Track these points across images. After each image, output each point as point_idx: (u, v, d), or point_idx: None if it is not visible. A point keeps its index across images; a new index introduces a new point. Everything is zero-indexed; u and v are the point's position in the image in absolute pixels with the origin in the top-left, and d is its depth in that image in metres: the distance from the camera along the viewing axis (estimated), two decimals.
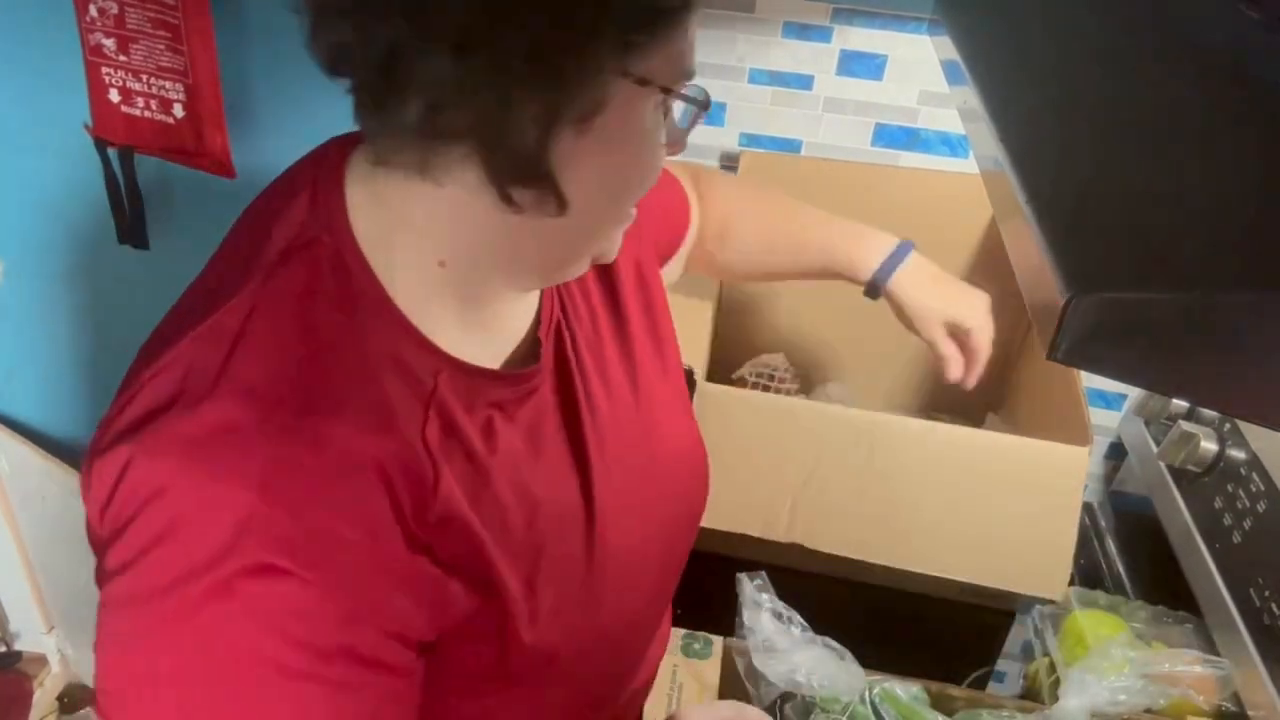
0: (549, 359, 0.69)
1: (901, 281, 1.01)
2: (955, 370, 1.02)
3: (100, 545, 0.54)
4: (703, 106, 0.60)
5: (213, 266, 0.62)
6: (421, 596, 0.57)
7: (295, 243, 0.58)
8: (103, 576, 0.54)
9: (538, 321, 0.71)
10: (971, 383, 1.03)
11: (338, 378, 0.56)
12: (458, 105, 0.53)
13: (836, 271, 1.03)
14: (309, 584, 0.52)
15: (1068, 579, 1.06)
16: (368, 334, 0.58)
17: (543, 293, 0.72)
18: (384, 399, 0.57)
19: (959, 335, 1.02)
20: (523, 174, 0.56)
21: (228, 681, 0.52)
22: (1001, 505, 1.07)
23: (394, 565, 0.56)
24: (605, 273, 0.78)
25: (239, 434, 0.52)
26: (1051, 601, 1.08)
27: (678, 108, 0.61)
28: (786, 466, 1.08)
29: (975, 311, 1.02)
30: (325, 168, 0.61)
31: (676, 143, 0.63)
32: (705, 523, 0.86)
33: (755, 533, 1.04)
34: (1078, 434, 1.10)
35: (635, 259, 0.81)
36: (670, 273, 1.02)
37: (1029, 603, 1.13)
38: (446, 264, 0.60)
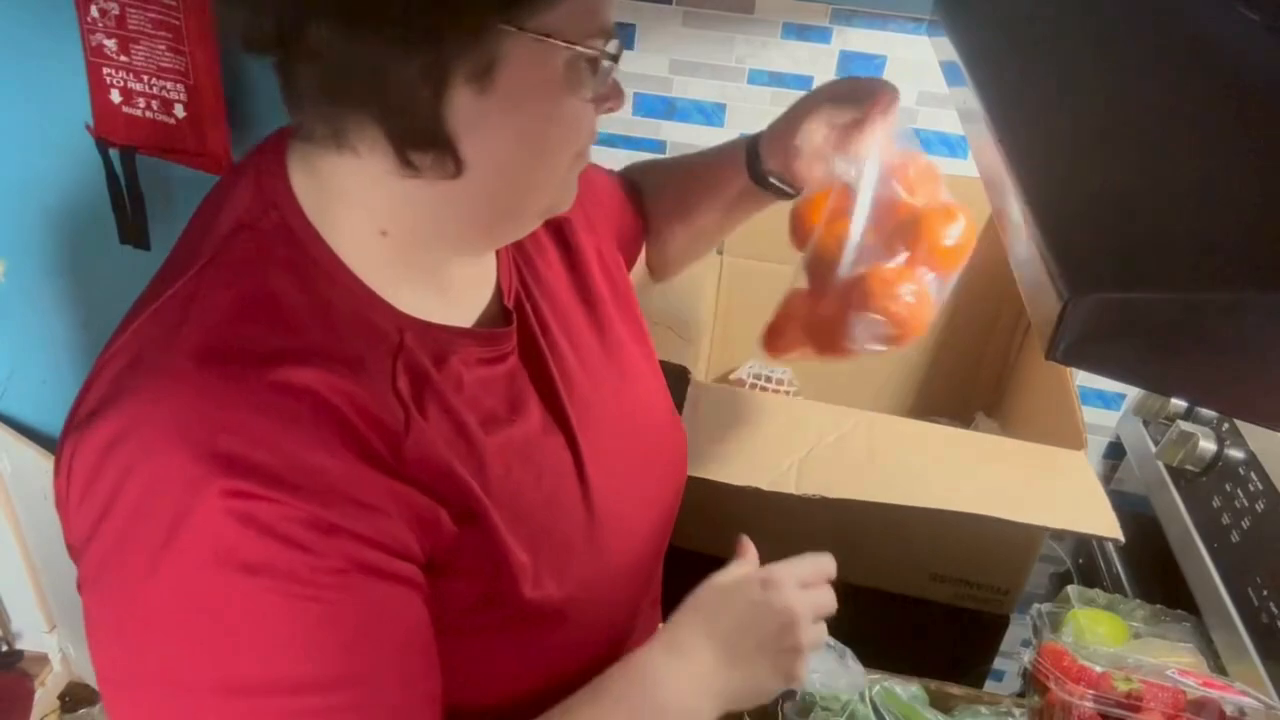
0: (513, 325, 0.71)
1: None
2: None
3: (81, 529, 0.54)
4: (613, 59, 0.59)
5: (167, 259, 0.63)
6: (410, 519, 0.58)
7: (243, 220, 0.60)
8: (92, 556, 0.54)
9: (499, 291, 0.72)
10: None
11: (295, 332, 0.57)
12: (345, 71, 0.54)
13: (732, 155, 0.90)
14: (285, 504, 0.52)
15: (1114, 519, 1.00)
16: (325, 296, 0.59)
17: (498, 263, 0.73)
18: (347, 351, 0.58)
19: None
20: (420, 137, 0.56)
21: (231, 609, 0.52)
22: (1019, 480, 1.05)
23: (375, 487, 0.56)
24: (569, 253, 0.79)
25: (196, 391, 0.53)
26: (1100, 537, 1.01)
27: (607, 63, 0.60)
28: (788, 444, 1.08)
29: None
30: (267, 153, 0.63)
31: (609, 97, 0.62)
32: (716, 476, 0.83)
33: (765, 486, 1.02)
34: (1071, 437, 1.11)
35: (596, 247, 0.82)
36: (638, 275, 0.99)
37: (1026, 601, 1.14)
38: (388, 233, 0.62)
